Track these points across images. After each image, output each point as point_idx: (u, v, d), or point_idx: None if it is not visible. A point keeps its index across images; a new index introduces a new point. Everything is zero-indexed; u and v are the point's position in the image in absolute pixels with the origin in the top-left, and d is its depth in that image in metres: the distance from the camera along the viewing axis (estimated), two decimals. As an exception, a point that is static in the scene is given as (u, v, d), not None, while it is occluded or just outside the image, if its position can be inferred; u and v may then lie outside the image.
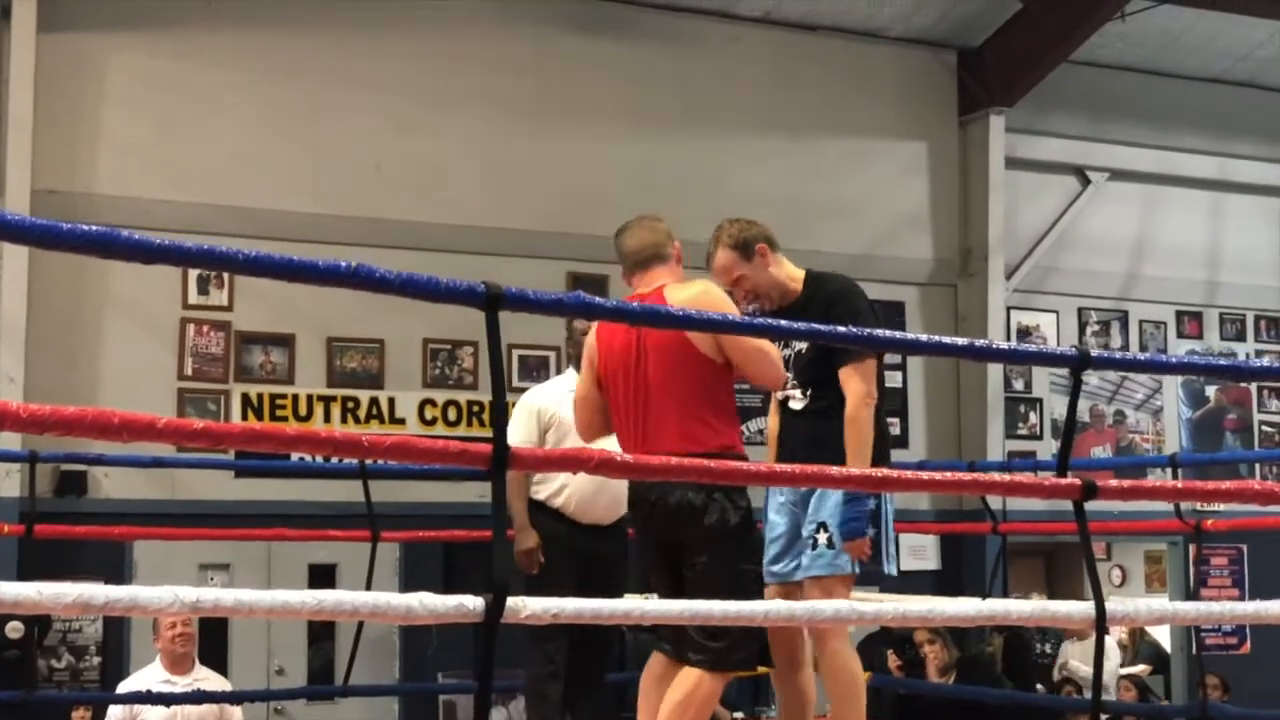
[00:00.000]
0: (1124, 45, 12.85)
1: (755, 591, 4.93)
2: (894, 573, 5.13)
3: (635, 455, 3.32)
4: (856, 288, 5.32)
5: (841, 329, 4.21)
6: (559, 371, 10.87)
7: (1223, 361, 3.79)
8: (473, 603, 2.96)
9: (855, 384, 5.05)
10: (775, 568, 5.22)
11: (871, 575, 5.27)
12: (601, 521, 6.32)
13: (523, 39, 11.27)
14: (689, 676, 4.84)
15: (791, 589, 5.16)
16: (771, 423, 5.46)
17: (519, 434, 6.34)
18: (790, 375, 5.23)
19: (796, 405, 5.27)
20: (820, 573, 5.03)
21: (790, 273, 5.30)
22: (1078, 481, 3.41)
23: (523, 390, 10.65)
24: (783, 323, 4.61)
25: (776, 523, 5.27)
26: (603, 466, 3.11)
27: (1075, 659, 10.99)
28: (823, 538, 5.03)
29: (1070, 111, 13.03)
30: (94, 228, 2.70)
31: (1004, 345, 4.02)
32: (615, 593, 5.76)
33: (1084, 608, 3.41)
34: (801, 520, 5.17)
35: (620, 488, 5.61)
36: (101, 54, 10.23)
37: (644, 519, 5.02)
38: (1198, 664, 8.04)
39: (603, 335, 5.12)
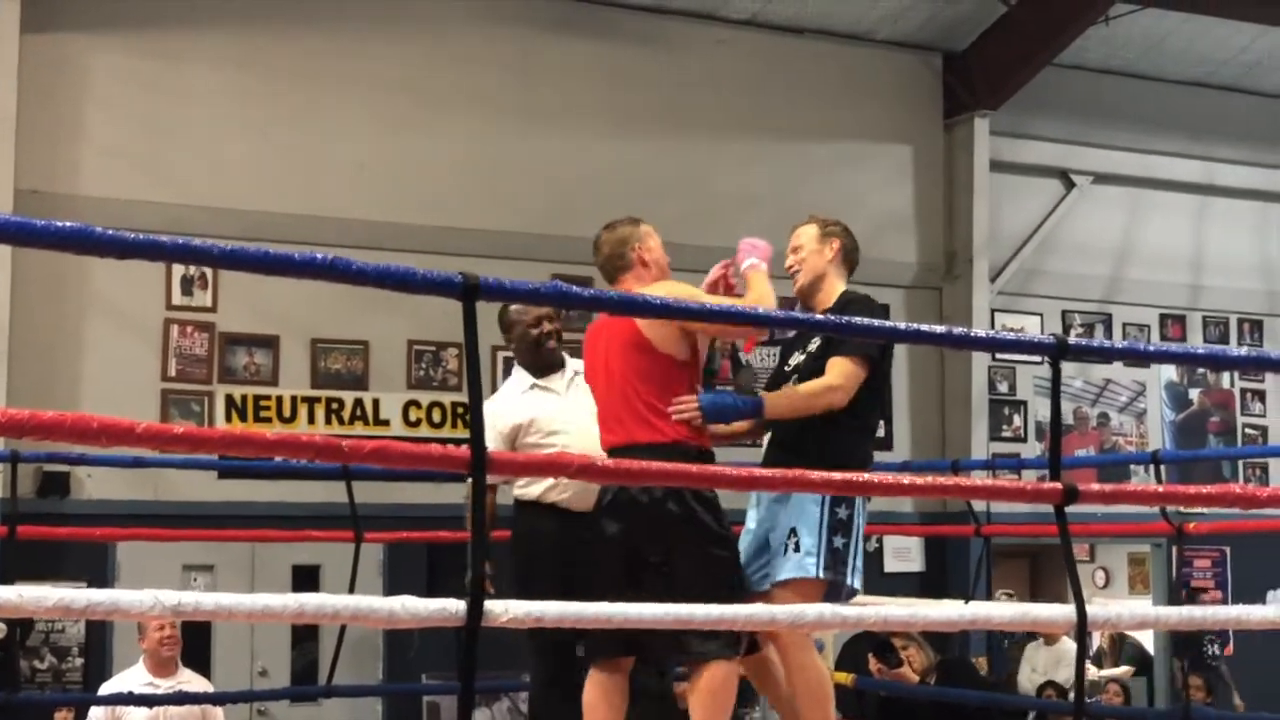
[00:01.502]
0: (1108, 49, 12.88)
1: (731, 580, 4.93)
2: (858, 586, 5.09)
3: (616, 460, 3.31)
4: (866, 301, 5.34)
5: (818, 315, 4.21)
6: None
7: (1200, 350, 3.81)
8: (455, 606, 2.96)
9: (834, 373, 5.04)
10: (751, 573, 5.16)
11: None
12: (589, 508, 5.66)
13: (508, 40, 11.26)
14: (703, 668, 4.88)
15: (756, 598, 5.11)
16: None
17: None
18: (795, 378, 5.26)
19: None
20: (790, 575, 5.00)
21: (834, 284, 5.37)
22: (1059, 486, 3.41)
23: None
24: (760, 310, 4.58)
25: (749, 529, 5.26)
26: (584, 472, 3.11)
27: (1039, 666, 10.95)
28: (791, 541, 5.03)
29: (1055, 115, 13.05)
30: (69, 224, 2.69)
31: (982, 334, 4.00)
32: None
33: (1065, 612, 3.42)
34: (771, 528, 5.15)
35: None
36: (85, 54, 10.21)
37: (603, 514, 5.05)
38: (1180, 666, 8.05)
39: (586, 340, 5.31)
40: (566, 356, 6.07)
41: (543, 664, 5.92)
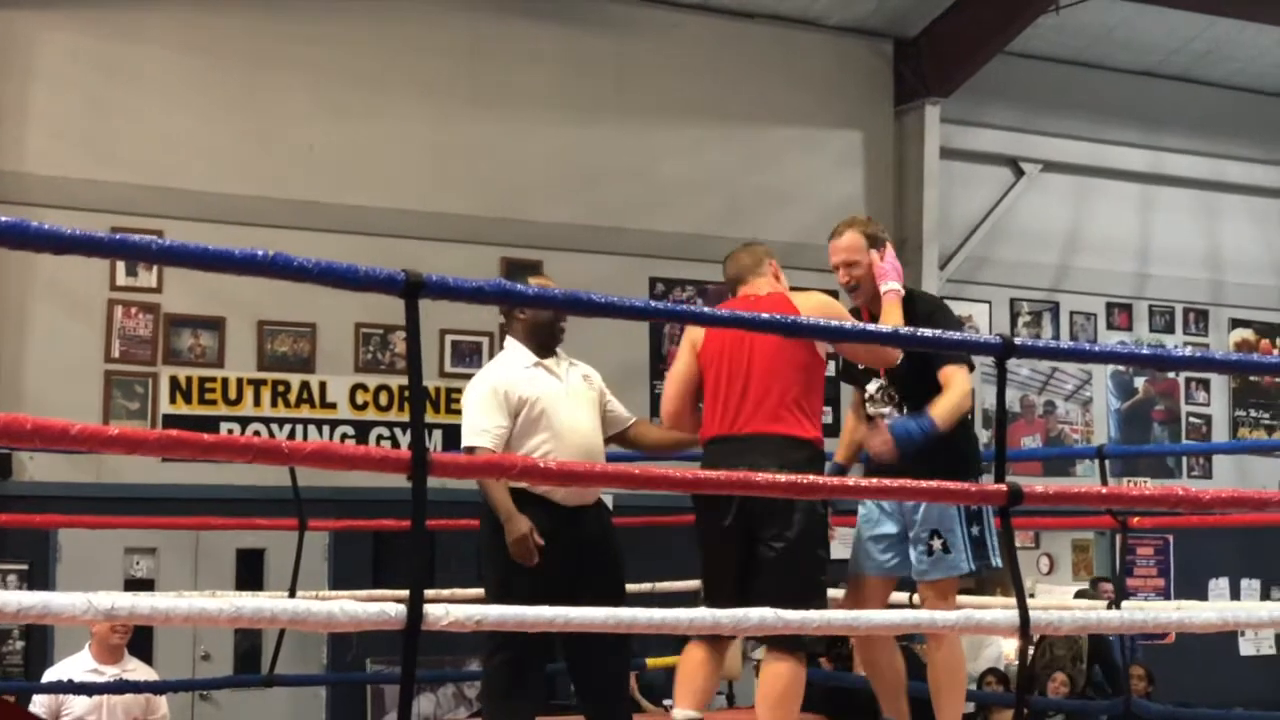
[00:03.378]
0: (1058, 37, 12.91)
1: (822, 581, 5.08)
2: (999, 563, 5.23)
3: (562, 464, 3.28)
4: (945, 306, 5.55)
5: (764, 315, 4.23)
6: (493, 354, 10.84)
7: (1145, 350, 3.84)
8: (394, 609, 2.93)
9: (960, 380, 5.15)
10: (883, 559, 5.35)
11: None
12: (585, 502, 5.62)
13: (459, 23, 11.20)
14: (772, 666, 4.99)
15: (891, 581, 5.41)
16: (849, 425, 5.66)
17: (490, 419, 5.62)
18: (882, 383, 5.34)
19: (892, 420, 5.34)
20: (939, 576, 5.20)
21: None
22: (1004, 488, 3.41)
23: (455, 376, 10.73)
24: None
25: (881, 519, 5.38)
26: (527, 474, 3.09)
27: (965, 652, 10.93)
28: (937, 544, 5.18)
29: (1005, 103, 13.09)
30: (3, 219, 2.64)
31: (928, 333, 3.94)
32: (616, 576, 5.60)
33: (1008, 616, 3.42)
34: (908, 520, 5.28)
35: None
36: (31, 32, 10.10)
37: (720, 505, 5.09)
38: (1123, 657, 8.11)
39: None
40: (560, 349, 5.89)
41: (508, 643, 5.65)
